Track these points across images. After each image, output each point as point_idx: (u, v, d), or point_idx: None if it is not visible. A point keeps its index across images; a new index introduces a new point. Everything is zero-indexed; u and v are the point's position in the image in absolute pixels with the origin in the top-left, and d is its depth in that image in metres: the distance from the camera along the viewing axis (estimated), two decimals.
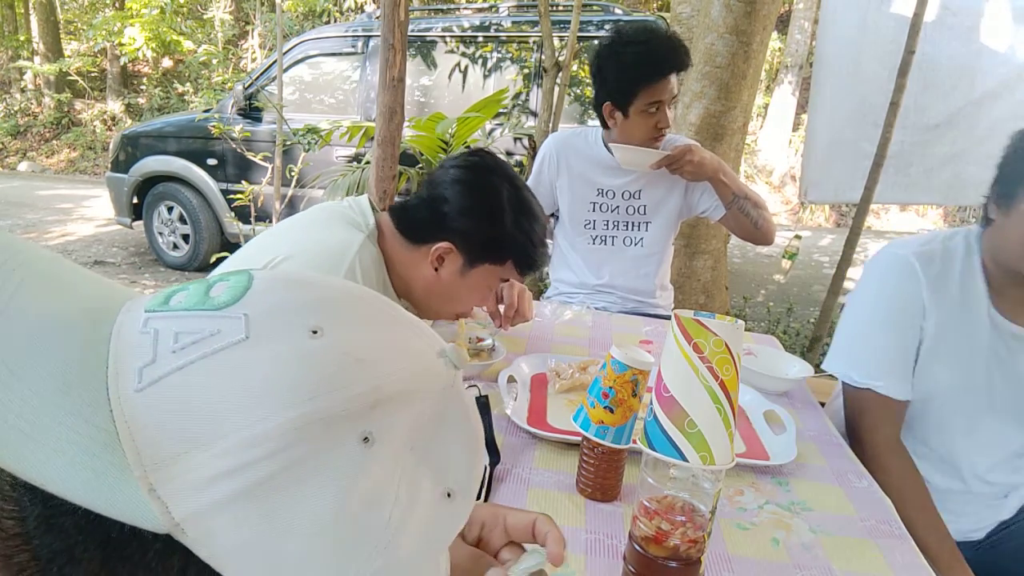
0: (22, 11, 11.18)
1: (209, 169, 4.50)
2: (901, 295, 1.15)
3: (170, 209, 4.71)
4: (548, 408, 1.14)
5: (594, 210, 1.79)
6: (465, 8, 5.80)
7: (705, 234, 3.05)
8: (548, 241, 1.67)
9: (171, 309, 0.31)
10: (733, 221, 1.73)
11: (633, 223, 1.79)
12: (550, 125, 3.11)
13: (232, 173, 4.40)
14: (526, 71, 4.07)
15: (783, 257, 3.02)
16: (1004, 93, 2.92)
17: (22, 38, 10.94)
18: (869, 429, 1.17)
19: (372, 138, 2.52)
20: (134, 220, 4.82)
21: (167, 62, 10.68)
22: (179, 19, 9.49)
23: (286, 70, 4.34)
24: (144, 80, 10.77)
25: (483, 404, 1.01)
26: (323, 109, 4.51)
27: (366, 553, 0.30)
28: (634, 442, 0.85)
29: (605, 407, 0.87)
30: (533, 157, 2.52)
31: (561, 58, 3.12)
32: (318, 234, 1.11)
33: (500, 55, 4.17)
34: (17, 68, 10.57)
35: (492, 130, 3.87)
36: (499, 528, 0.55)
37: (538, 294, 2.08)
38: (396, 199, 2.33)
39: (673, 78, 1.59)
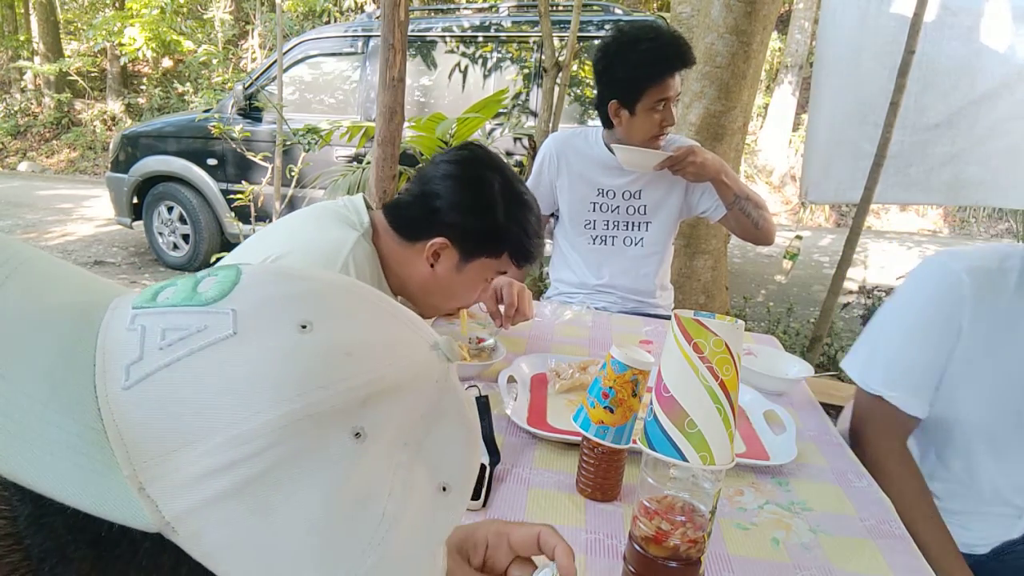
0: (22, 11, 11.18)
1: (209, 169, 4.50)
2: (940, 311, 1.08)
3: (170, 209, 4.71)
4: (548, 408, 1.13)
5: (594, 210, 1.79)
6: (465, 8, 5.79)
7: (705, 234, 3.04)
8: (548, 241, 1.66)
9: (158, 305, 0.31)
10: (734, 221, 1.73)
11: (633, 223, 1.79)
12: (550, 125, 3.10)
13: (232, 173, 4.40)
14: (526, 71, 4.07)
15: (784, 257, 3.02)
16: (1004, 93, 2.92)
17: (22, 38, 10.95)
18: (873, 438, 1.13)
19: (372, 138, 2.52)
20: (134, 220, 4.82)
21: (167, 62, 10.68)
22: (179, 19, 9.50)
23: (286, 70, 4.34)
24: (144, 80, 10.78)
25: (483, 404, 1.01)
26: (323, 109, 4.50)
27: (360, 548, 0.29)
28: (634, 442, 0.85)
29: (605, 407, 0.87)
30: (533, 157, 2.52)
31: (561, 58, 3.11)
32: (312, 232, 1.11)
33: (500, 55, 4.17)
34: (17, 68, 10.58)
35: (492, 130, 3.87)
36: (503, 547, 0.55)
37: (538, 294, 2.08)
38: None
39: (678, 76, 1.60)
